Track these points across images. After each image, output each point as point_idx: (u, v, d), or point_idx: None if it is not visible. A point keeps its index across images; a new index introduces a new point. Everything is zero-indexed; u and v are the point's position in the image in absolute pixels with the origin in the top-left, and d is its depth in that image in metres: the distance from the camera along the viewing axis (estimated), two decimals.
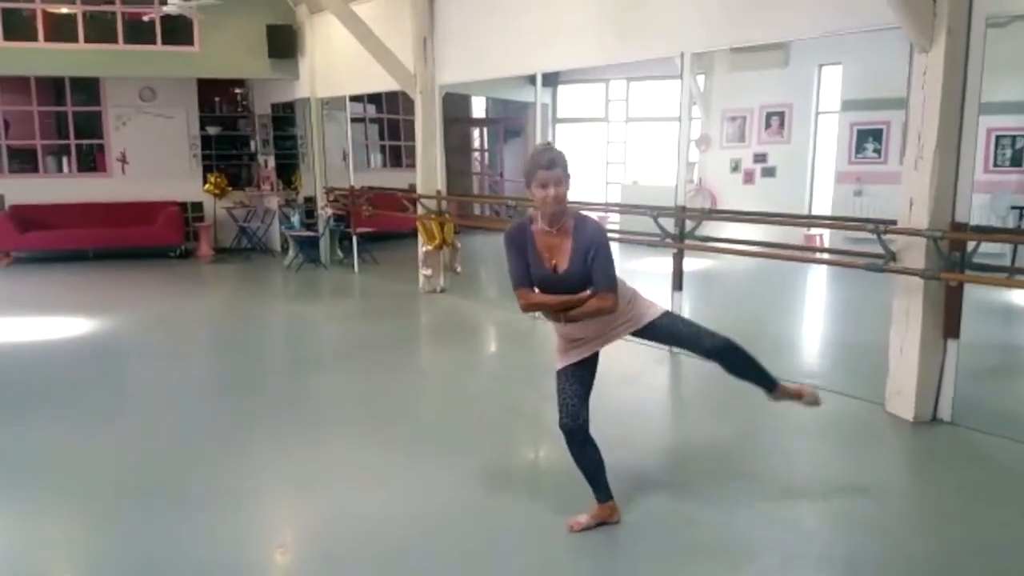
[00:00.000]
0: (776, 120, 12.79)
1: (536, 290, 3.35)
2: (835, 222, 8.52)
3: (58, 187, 12.26)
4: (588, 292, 3.26)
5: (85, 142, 12.59)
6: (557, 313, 3.34)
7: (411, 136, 10.15)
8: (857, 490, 4.12)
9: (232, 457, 4.54)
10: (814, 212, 12.20)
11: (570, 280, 3.27)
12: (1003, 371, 6.40)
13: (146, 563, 3.39)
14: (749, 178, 13.00)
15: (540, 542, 3.56)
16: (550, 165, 3.19)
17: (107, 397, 5.77)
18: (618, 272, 3.34)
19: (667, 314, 3.57)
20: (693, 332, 3.57)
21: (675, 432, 5.25)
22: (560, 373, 3.47)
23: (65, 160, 12.51)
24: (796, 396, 3.76)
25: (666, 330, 3.58)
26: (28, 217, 11.77)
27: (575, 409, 3.40)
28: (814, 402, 3.79)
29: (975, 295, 6.04)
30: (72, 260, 11.95)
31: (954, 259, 4.71)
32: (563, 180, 3.21)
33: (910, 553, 3.45)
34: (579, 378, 3.45)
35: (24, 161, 12.34)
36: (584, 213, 3.42)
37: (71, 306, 8.83)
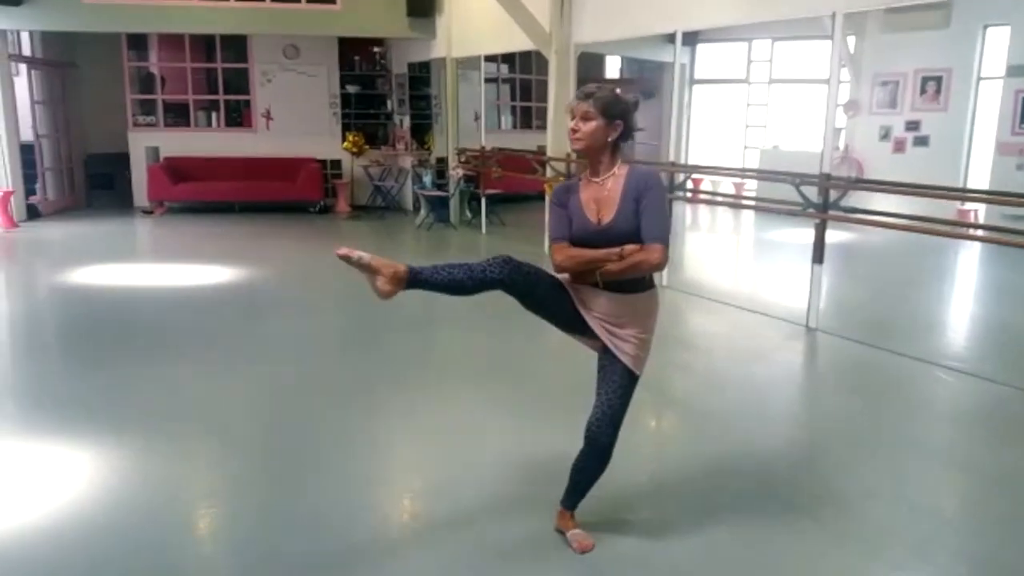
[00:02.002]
0: (932, 85, 11.97)
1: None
2: (993, 196, 7.90)
3: (207, 141, 12.89)
4: (633, 246, 2.81)
5: (233, 98, 13.15)
6: (592, 274, 2.89)
7: (542, 97, 10.08)
8: (997, 478, 3.84)
9: (361, 406, 4.67)
10: (970, 186, 11.40)
11: (612, 233, 2.83)
12: None
13: (279, 501, 3.54)
14: (899, 147, 12.26)
15: (661, 509, 3.49)
16: (583, 96, 2.85)
17: (246, 343, 6.04)
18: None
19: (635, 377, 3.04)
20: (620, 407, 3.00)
21: (809, 409, 5.04)
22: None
23: (214, 115, 13.12)
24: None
25: (622, 381, 2.99)
26: (180, 169, 12.45)
27: (515, 273, 3.00)
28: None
29: None
30: (219, 212, 12.60)
31: None
32: (591, 116, 2.82)
33: None
34: (603, 372, 3.03)
35: (177, 115, 13.03)
36: (642, 166, 3.07)
37: (216, 255, 9.30)
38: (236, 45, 12.90)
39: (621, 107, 2.87)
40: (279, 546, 3.14)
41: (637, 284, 2.93)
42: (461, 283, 3.07)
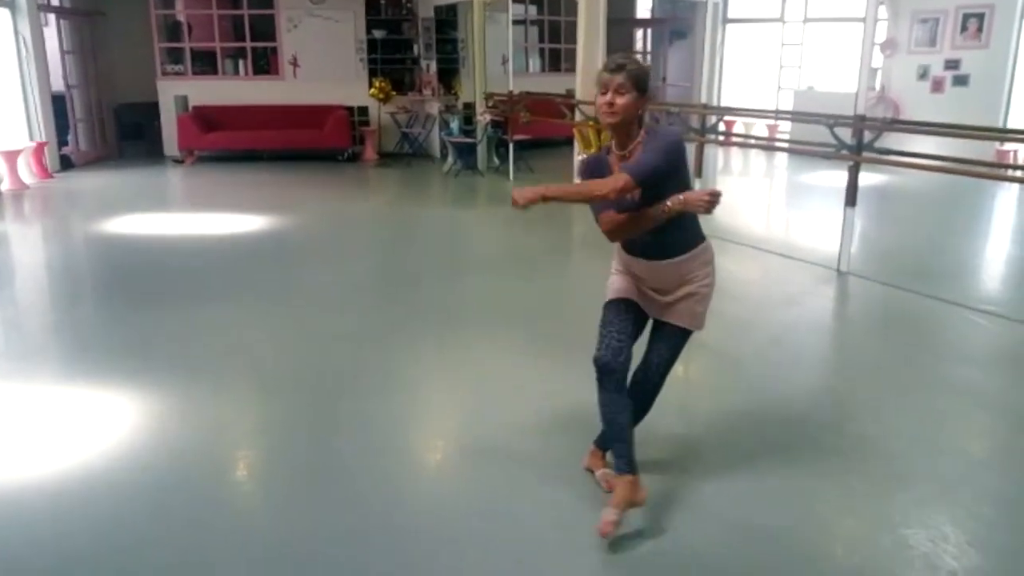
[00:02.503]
0: (974, 22, 11.60)
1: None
2: None
3: (235, 89, 12.88)
4: (666, 203, 2.74)
5: (260, 45, 13.09)
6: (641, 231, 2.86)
7: (571, 39, 9.92)
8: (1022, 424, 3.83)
9: (391, 351, 4.72)
10: (1010, 126, 11.11)
11: (639, 203, 2.80)
12: None
13: (309, 441, 3.63)
14: (938, 87, 11.95)
15: (691, 460, 3.53)
16: (615, 68, 2.73)
17: (276, 291, 6.11)
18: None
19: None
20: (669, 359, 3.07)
21: (841, 352, 5.02)
22: (613, 304, 3.00)
23: (241, 63, 13.07)
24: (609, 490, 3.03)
25: (673, 340, 3.05)
26: (209, 117, 12.48)
27: (619, 345, 2.89)
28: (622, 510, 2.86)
29: None
30: (247, 160, 12.65)
31: None
32: (625, 90, 2.72)
33: None
34: (633, 318, 2.99)
35: (205, 63, 13.00)
36: (662, 127, 2.98)
37: (247, 204, 9.37)
38: None
39: (648, 79, 2.82)
40: (317, 487, 3.22)
41: (681, 246, 2.91)
42: (624, 407, 2.94)
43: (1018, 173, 7.85)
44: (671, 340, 3.03)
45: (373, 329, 5.14)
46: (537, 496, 3.15)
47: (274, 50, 13.04)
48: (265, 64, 13.18)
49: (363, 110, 13.24)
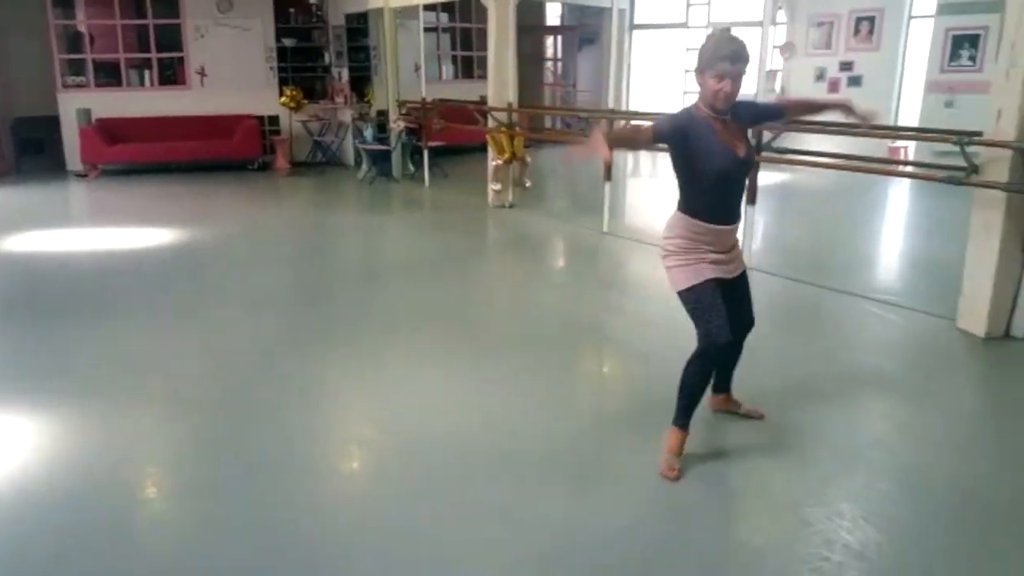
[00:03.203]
0: (866, 25, 12.20)
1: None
2: (917, 134, 8.15)
3: (141, 100, 12.56)
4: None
5: (166, 55, 12.80)
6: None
7: (483, 46, 10.03)
8: (920, 402, 4.09)
9: (307, 361, 4.72)
10: (901, 124, 11.71)
11: (749, 162, 3.25)
12: None
13: (222, 454, 3.61)
14: (834, 87, 12.52)
15: (600, 447, 3.65)
16: (734, 59, 3.00)
17: (186, 303, 6.02)
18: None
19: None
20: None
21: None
22: (704, 287, 3.19)
23: (147, 73, 12.75)
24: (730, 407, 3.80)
25: (746, 284, 3.50)
26: (113, 130, 12.14)
27: (726, 323, 3.18)
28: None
29: None
30: (155, 172, 12.34)
31: None
32: (741, 78, 3.05)
33: (977, 470, 3.42)
34: (722, 295, 3.24)
35: (108, 75, 12.63)
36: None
37: (154, 217, 9.17)
38: (168, 0, 12.53)
39: None
40: (225, 505, 3.22)
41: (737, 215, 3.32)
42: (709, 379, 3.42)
43: (908, 169, 8.27)
44: (746, 284, 3.45)
45: (287, 340, 5.12)
46: (460, 501, 3.21)
47: (181, 60, 12.76)
48: (172, 74, 12.89)
49: (274, 119, 13.07)
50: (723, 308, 3.19)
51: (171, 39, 12.68)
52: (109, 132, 12.08)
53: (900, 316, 5.41)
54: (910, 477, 3.39)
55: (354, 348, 4.93)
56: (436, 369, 4.57)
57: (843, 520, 2.99)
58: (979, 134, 4.77)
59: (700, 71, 3.10)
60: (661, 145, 3.23)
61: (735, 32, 3.24)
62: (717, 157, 3.10)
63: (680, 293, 3.25)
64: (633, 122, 3.13)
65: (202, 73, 12.74)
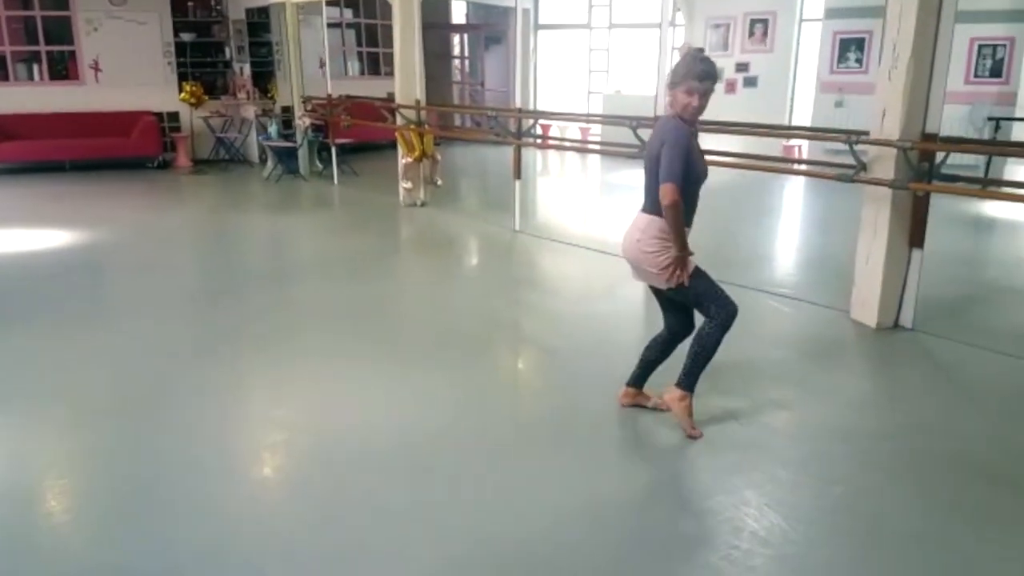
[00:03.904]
0: (760, 28, 12.65)
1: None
2: (810, 133, 8.54)
3: (30, 95, 11.99)
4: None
5: (56, 48, 12.26)
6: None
7: (390, 42, 9.96)
8: (818, 392, 4.31)
9: (213, 365, 4.64)
10: (795, 123, 12.21)
11: (705, 172, 3.54)
12: (965, 280, 6.55)
13: (129, 464, 3.51)
14: (731, 88, 12.93)
15: (517, 441, 3.72)
16: (703, 77, 3.31)
17: (86, 307, 5.82)
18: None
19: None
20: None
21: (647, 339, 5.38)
22: (700, 270, 3.59)
23: (36, 68, 12.19)
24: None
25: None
26: (1, 127, 11.56)
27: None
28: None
29: (946, 207, 6.15)
30: (48, 171, 11.81)
31: (923, 170, 4.79)
32: (709, 95, 3.36)
33: (867, 451, 3.63)
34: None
35: None
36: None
37: (48, 218, 8.79)
38: None
39: None
40: (135, 517, 3.15)
41: None
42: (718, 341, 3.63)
43: (802, 167, 8.64)
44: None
45: (191, 344, 5.02)
46: (370, 503, 3.23)
47: (72, 54, 12.25)
48: (63, 69, 12.36)
49: (173, 116, 12.69)
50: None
51: (61, 32, 12.17)
52: None
53: (797, 309, 5.67)
54: (809, 464, 3.57)
55: (261, 351, 4.86)
56: (346, 371, 4.55)
57: (749, 508, 3.13)
58: (866, 133, 5.04)
59: (673, 86, 3.39)
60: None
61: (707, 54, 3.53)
62: (701, 163, 3.48)
63: (691, 279, 3.52)
64: (666, 207, 3.30)
65: (96, 68, 12.27)
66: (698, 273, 3.55)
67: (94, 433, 3.85)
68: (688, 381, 3.67)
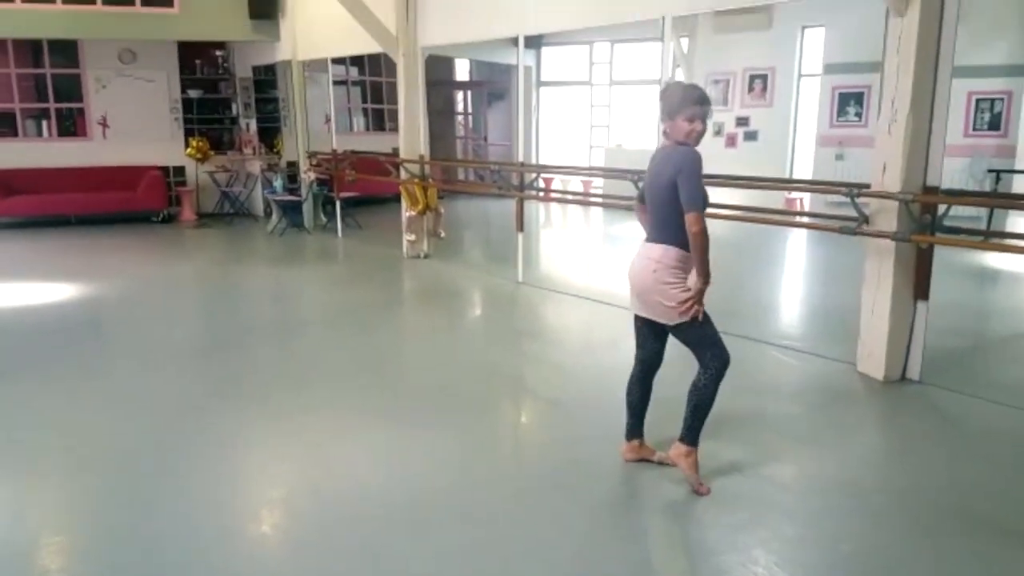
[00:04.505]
0: (759, 83, 12.83)
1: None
2: (811, 186, 8.59)
3: (38, 151, 12.15)
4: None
5: (65, 105, 12.45)
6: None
7: (394, 99, 10.11)
8: (825, 446, 4.25)
9: (216, 420, 4.60)
10: (795, 176, 12.30)
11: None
12: (970, 332, 6.53)
13: (129, 524, 3.45)
14: (732, 142, 13.06)
15: (518, 501, 3.67)
16: (702, 102, 3.40)
17: (92, 361, 5.80)
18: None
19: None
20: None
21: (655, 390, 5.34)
22: (706, 315, 3.55)
23: (45, 124, 12.37)
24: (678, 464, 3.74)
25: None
26: (9, 182, 11.68)
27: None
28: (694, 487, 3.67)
29: (949, 258, 6.15)
30: (54, 225, 11.91)
31: (925, 222, 4.80)
32: (707, 119, 3.44)
33: (876, 507, 3.57)
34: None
35: (3, 125, 12.20)
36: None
37: (54, 272, 8.83)
38: (66, 50, 12.21)
39: None
40: (133, 570, 3.10)
41: None
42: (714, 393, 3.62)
43: (805, 219, 8.67)
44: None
45: (197, 399, 4.97)
46: (375, 564, 3.17)
47: (81, 110, 12.44)
48: (71, 125, 12.53)
49: (179, 170, 12.83)
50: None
51: (70, 89, 12.38)
52: (4, 184, 11.62)
53: (803, 361, 5.63)
54: (817, 520, 3.51)
55: (265, 405, 4.82)
56: (348, 425, 4.52)
57: (757, 567, 3.07)
58: (867, 186, 5.06)
59: (671, 116, 3.44)
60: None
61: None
62: (705, 190, 3.48)
63: (700, 321, 3.50)
64: (691, 226, 3.35)
65: (104, 124, 12.44)
66: (706, 315, 3.53)
67: (91, 489, 3.80)
68: (691, 436, 3.63)
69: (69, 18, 10.74)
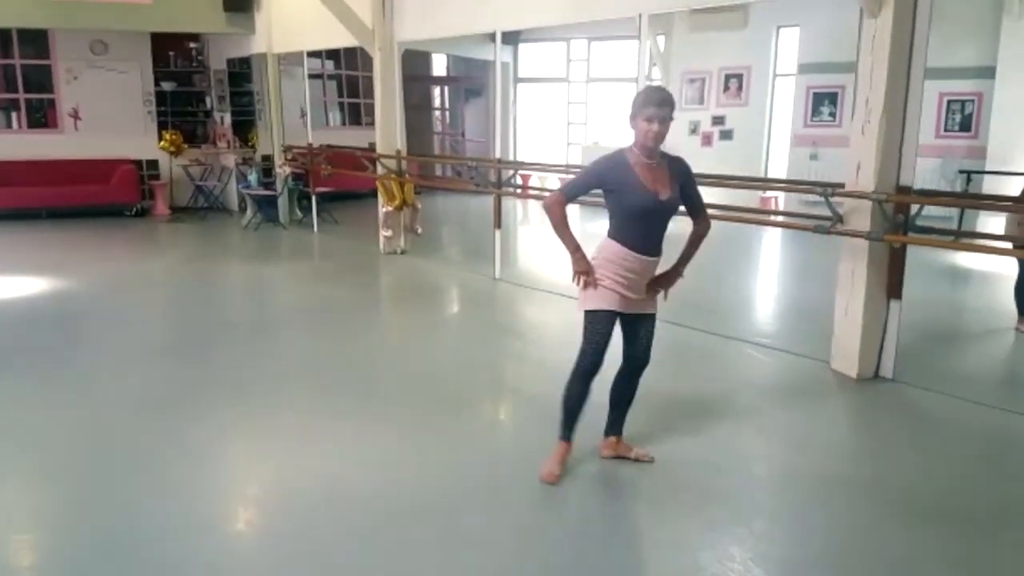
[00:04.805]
0: (735, 82, 12.88)
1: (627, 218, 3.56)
2: (786, 185, 8.66)
3: (8, 144, 11.95)
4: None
5: (35, 96, 12.26)
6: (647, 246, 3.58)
7: (371, 93, 10.06)
8: (799, 442, 4.30)
9: (188, 419, 4.55)
10: (770, 175, 12.38)
11: (670, 205, 3.56)
12: (942, 331, 6.62)
13: (102, 525, 3.42)
14: (707, 141, 13.11)
15: (496, 499, 3.67)
16: (661, 103, 3.43)
17: (61, 358, 5.73)
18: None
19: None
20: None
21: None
22: (602, 316, 3.58)
23: (14, 115, 12.18)
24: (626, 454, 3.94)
25: (650, 323, 3.74)
26: None
27: (603, 349, 3.60)
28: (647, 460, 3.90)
29: (921, 257, 6.23)
30: (24, 218, 11.70)
31: (898, 222, 4.86)
32: (667, 121, 3.44)
33: (849, 501, 3.62)
34: (612, 323, 3.63)
35: None
36: (671, 153, 3.63)
37: (24, 266, 8.70)
38: (36, 40, 12.02)
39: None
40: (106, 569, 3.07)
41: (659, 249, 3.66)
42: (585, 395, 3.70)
43: (780, 218, 8.74)
44: (651, 325, 3.75)
45: (169, 397, 4.91)
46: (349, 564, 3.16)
47: (52, 102, 12.25)
48: (42, 117, 12.34)
49: (153, 163, 12.69)
50: (607, 340, 3.60)
51: (41, 80, 12.21)
52: None
53: (777, 359, 5.68)
54: (792, 515, 3.55)
55: (239, 404, 4.78)
56: (324, 425, 4.49)
57: (734, 563, 3.10)
58: (841, 185, 5.11)
59: (633, 116, 3.50)
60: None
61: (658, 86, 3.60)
62: (633, 195, 3.48)
63: (585, 312, 3.61)
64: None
65: (75, 116, 12.27)
66: (596, 314, 3.61)
67: (60, 487, 3.76)
68: (560, 429, 3.78)
69: (39, 7, 10.56)
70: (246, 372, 5.39)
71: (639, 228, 3.55)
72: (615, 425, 3.93)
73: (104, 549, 3.19)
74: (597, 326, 3.58)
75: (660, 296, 3.76)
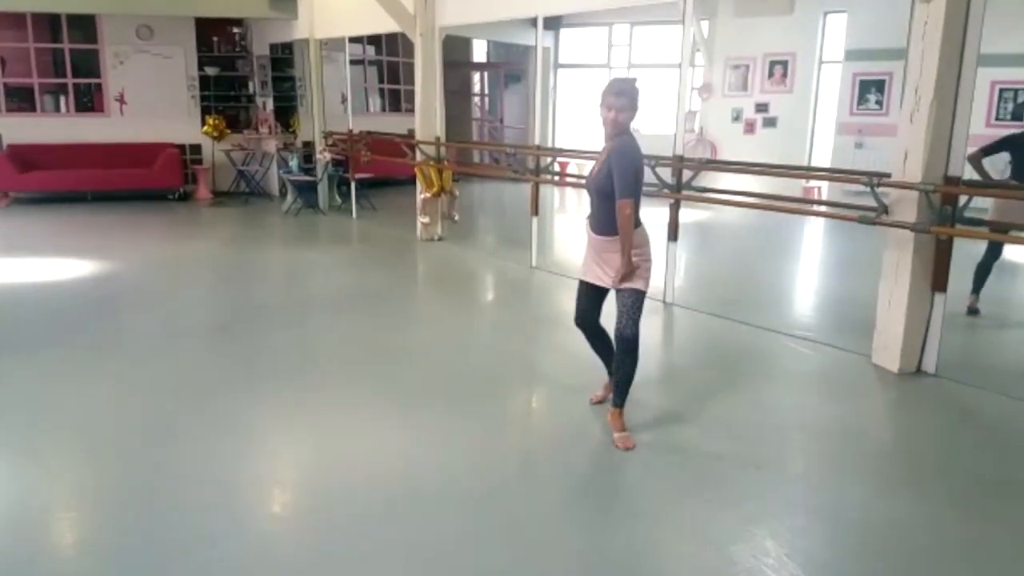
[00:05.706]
0: (779, 69, 12.67)
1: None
2: (830, 174, 8.50)
3: (56, 127, 12.19)
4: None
5: (83, 81, 12.47)
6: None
7: (411, 80, 10.07)
8: (838, 437, 4.22)
9: (230, 399, 4.61)
10: (814, 164, 12.17)
11: (595, 185, 3.90)
12: (987, 325, 6.45)
13: (146, 498, 3.48)
14: (750, 128, 12.92)
15: (532, 488, 3.65)
16: (619, 93, 3.76)
17: (106, 338, 5.83)
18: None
19: (637, 293, 3.93)
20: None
21: (666, 380, 5.30)
22: (580, 283, 4.19)
23: (63, 99, 12.40)
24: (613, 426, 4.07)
25: (625, 298, 3.93)
26: (26, 157, 11.73)
27: (583, 312, 4.21)
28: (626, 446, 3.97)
29: (967, 250, 6.06)
30: (70, 201, 11.96)
31: (945, 213, 4.73)
32: (624, 110, 3.75)
33: (889, 499, 3.54)
34: (584, 291, 4.18)
35: (21, 100, 12.24)
36: (629, 138, 3.81)
37: (69, 248, 8.87)
38: (84, 25, 12.23)
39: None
40: (147, 550, 3.11)
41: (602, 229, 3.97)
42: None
43: (823, 208, 8.59)
44: (626, 299, 3.95)
45: (208, 381, 4.96)
46: (387, 550, 3.17)
47: (99, 86, 12.46)
48: (89, 101, 12.56)
49: (196, 148, 12.85)
50: (582, 305, 4.22)
51: (88, 65, 12.40)
52: (22, 159, 11.67)
53: (818, 352, 5.58)
54: (829, 511, 3.48)
55: (278, 389, 4.82)
56: (364, 410, 4.51)
57: (768, 558, 3.05)
58: (888, 175, 4.99)
59: (599, 107, 3.84)
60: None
61: (634, 81, 3.92)
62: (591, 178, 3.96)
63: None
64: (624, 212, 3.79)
65: (121, 100, 12.46)
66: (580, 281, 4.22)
67: (100, 468, 3.83)
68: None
69: None
70: (283, 355, 5.44)
71: (590, 206, 4.02)
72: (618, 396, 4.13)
73: (140, 533, 3.23)
74: (578, 289, 4.20)
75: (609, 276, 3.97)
